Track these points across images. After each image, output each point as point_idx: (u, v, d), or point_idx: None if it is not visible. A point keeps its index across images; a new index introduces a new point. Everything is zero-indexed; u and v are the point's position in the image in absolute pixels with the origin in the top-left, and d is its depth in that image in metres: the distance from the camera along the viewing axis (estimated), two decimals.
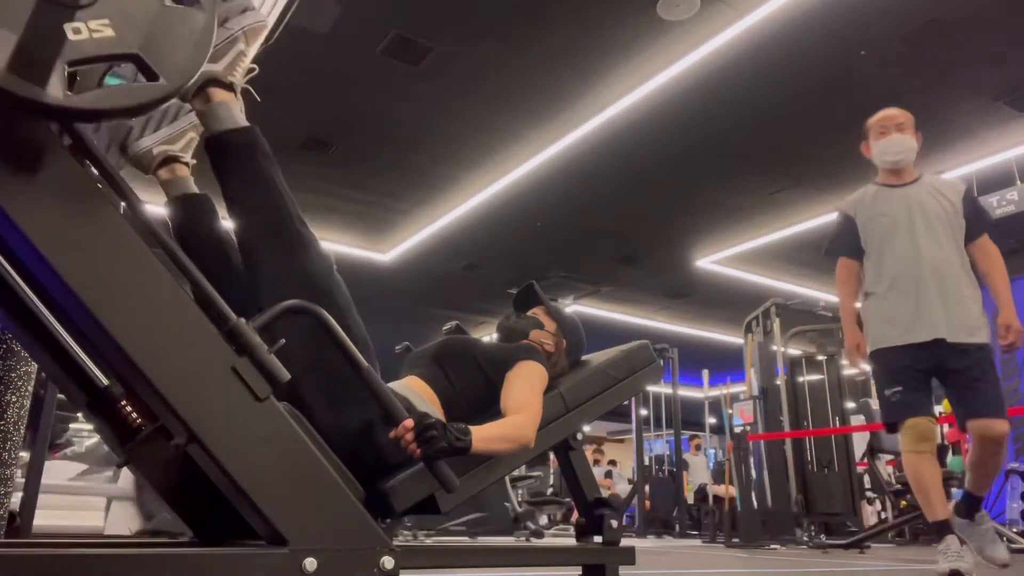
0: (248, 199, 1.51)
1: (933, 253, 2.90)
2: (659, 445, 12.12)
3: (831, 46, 5.16)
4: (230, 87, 1.52)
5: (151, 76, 1.01)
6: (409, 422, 1.34)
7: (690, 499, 10.04)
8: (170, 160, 1.68)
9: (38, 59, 0.93)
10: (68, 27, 0.96)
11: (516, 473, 6.96)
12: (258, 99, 1.60)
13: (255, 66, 1.59)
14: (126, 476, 3.55)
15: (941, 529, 2.69)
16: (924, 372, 2.86)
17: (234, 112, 1.51)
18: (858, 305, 3.17)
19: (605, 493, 1.98)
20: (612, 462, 13.88)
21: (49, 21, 0.95)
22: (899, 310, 2.91)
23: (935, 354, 2.82)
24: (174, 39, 1.05)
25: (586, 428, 1.89)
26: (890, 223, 3.01)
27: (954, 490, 6.95)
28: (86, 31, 0.97)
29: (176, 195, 1.67)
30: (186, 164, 1.71)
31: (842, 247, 3.17)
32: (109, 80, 1.31)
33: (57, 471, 3.81)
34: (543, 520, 8.54)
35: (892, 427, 2.89)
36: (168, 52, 1.03)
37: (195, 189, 1.70)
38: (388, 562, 1.19)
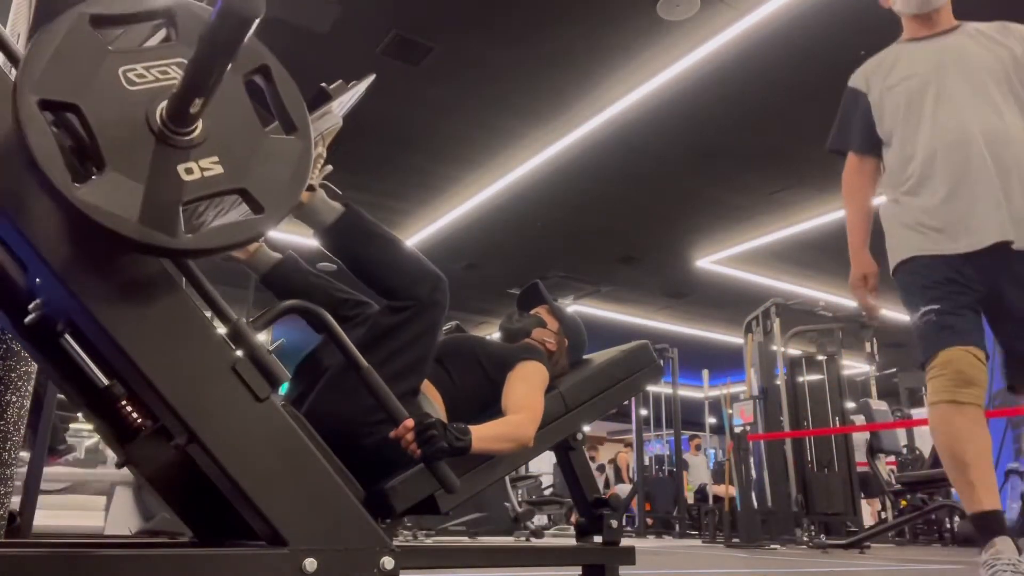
0: (382, 262, 1.64)
1: (986, 121, 2.01)
2: (658, 446, 12.11)
3: (831, 46, 5.16)
4: (311, 188, 1.62)
5: (257, 208, 1.05)
6: (409, 422, 1.35)
7: (690, 499, 10.04)
8: None
9: (160, 204, 0.97)
10: (181, 168, 1.00)
11: (516, 473, 6.96)
12: (338, 193, 1.72)
13: (331, 166, 1.70)
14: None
15: (987, 526, 1.72)
16: (972, 293, 1.96)
17: (327, 202, 1.64)
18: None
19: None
20: (611, 462, 13.88)
21: (166, 165, 0.99)
22: (936, 207, 2.01)
23: (991, 269, 1.93)
24: (276, 169, 1.08)
25: (586, 428, 1.89)
26: (918, 87, 2.14)
27: (954, 490, 6.96)
28: (198, 171, 1.01)
29: (265, 270, 1.78)
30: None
31: (849, 137, 2.35)
32: None
33: (57, 478, 3.81)
34: (543, 520, 8.55)
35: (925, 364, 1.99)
36: (271, 182, 1.07)
37: (274, 256, 1.80)
38: (388, 562, 1.19)
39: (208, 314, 1.14)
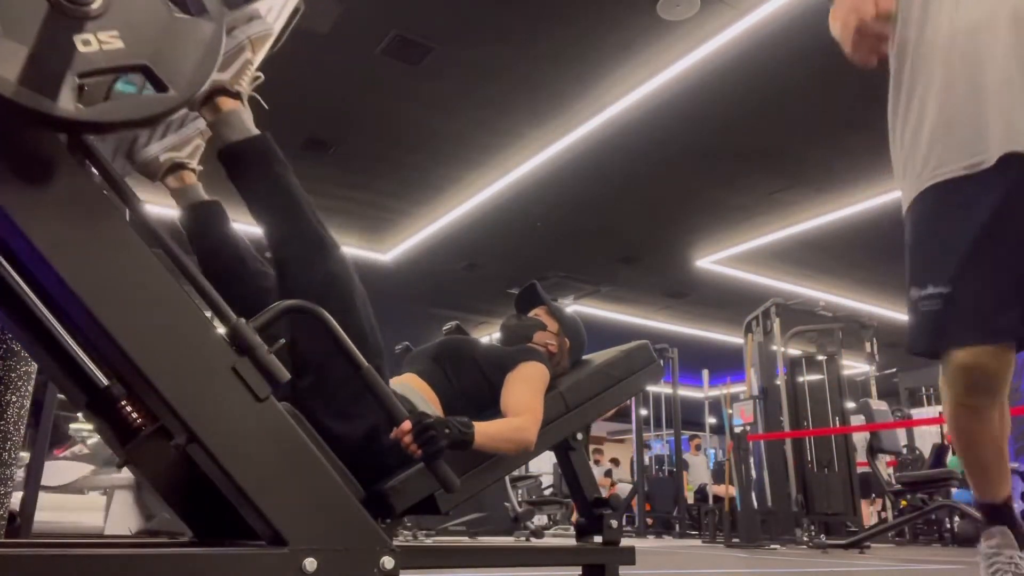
0: (269, 206, 1.52)
1: None
2: (658, 446, 12.11)
3: (831, 46, 5.13)
4: (237, 96, 1.53)
5: (160, 87, 1.02)
6: (408, 423, 1.34)
7: (690, 499, 10.04)
8: (177, 167, 1.69)
9: (48, 71, 0.93)
10: (78, 39, 0.96)
11: (516, 473, 6.96)
12: (265, 107, 1.62)
13: (261, 74, 1.61)
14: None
15: (993, 515, 1.57)
16: (1000, 235, 1.42)
17: (245, 121, 1.53)
18: None
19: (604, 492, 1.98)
20: (614, 460, 13.89)
21: (59, 33, 0.95)
22: (954, 106, 1.50)
23: None
24: (183, 49, 1.05)
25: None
26: None
27: (954, 490, 6.97)
28: (95, 43, 0.97)
29: (187, 204, 1.69)
30: (193, 171, 1.73)
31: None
32: (120, 87, 1.31)
33: (61, 471, 3.80)
34: (543, 520, 8.55)
35: (933, 353, 1.53)
36: (177, 62, 1.04)
37: (205, 196, 1.71)
38: (388, 562, 1.19)
39: (208, 314, 1.14)
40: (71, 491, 3.83)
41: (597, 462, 12.90)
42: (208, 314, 1.14)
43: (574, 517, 4.37)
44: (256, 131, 1.54)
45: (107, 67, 0.99)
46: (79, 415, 3.90)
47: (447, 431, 1.37)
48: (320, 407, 1.48)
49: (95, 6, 0.98)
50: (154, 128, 1.64)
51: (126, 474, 3.55)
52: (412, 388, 1.69)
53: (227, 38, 1.49)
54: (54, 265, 1.01)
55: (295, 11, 1.71)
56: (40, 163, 1.02)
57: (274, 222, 1.51)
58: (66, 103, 0.94)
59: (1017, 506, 6.62)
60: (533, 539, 6.11)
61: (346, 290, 1.49)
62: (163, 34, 1.03)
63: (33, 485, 2.61)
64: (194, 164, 1.72)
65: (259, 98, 1.60)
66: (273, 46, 1.65)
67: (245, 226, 1.72)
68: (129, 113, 1.01)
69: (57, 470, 3.67)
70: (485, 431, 1.47)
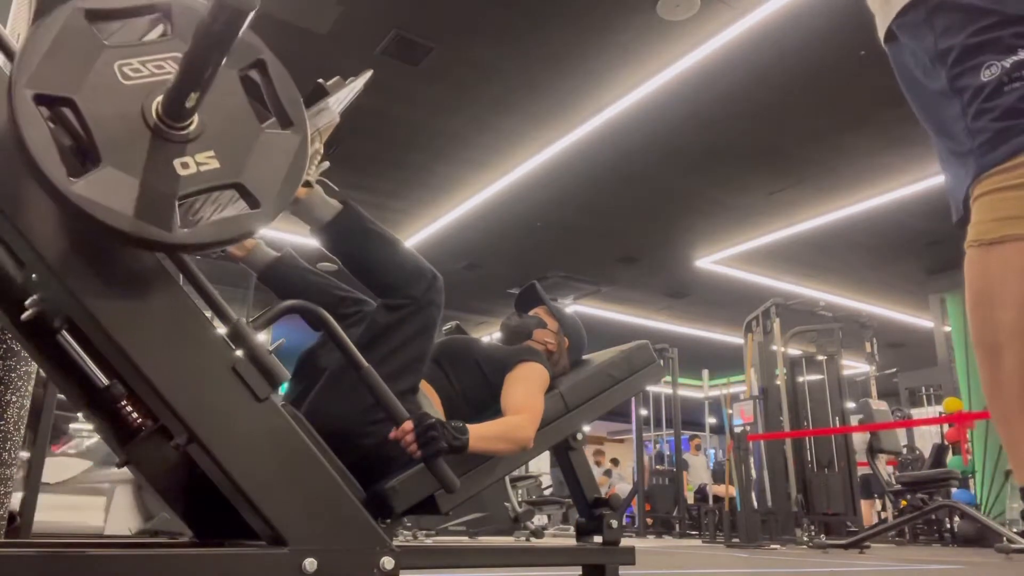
0: (379, 260, 1.63)
1: None
2: (654, 446, 12.09)
3: (831, 46, 5.16)
4: (308, 184, 1.61)
5: (253, 204, 1.04)
6: (409, 424, 1.34)
7: (690, 499, 10.04)
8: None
9: (155, 199, 0.96)
10: (177, 163, 0.99)
11: (516, 473, 6.95)
12: (336, 190, 1.70)
13: (327, 163, 1.68)
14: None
15: None
16: None
17: (325, 199, 1.63)
18: None
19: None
20: (614, 461, 13.88)
21: (161, 160, 0.98)
22: None
23: None
24: (272, 164, 1.08)
25: (586, 428, 1.88)
26: None
27: (954, 490, 6.97)
28: (193, 165, 1.01)
29: (263, 266, 1.76)
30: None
31: None
32: None
33: (58, 467, 3.79)
34: (543, 520, 8.54)
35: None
36: (267, 178, 1.06)
37: (272, 253, 1.79)
38: (388, 562, 1.19)
39: (208, 314, 1.14)
40: (69, 489, 3.82)
41: (598, 463, 12.89)
42: (207, 314, 1.14)
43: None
44: (339, 204, 1.64)
45: (204, 188, 1.02)
46: (79, 415, 3.90)
47: (443, 434, 1.37)
48: (320, 407, 1.48)
49: (192, 129, 1.01)
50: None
51: (125, 470, 3.54)
52: None
53: None
54: (51, 263, 1.00)
55: (358, 93, 1.80)
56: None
57: (381, 267, 1.62)
58: (174, 229, 0.97)
59: (1017, 506, 6.61)
60: (533, 539, 6.11)
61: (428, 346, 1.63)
62: (253, 151, 1.06)
63: (33, 485, 2.60)
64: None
65: (328, 183, 1.68)
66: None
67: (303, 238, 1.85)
68: (227, 234, 1.04)
69: (54, 466, 3.66)
70: (480, 434, 1.46)
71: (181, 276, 1.16)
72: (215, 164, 1.02)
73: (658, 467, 10.32)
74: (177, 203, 0.98)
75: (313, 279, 1.79)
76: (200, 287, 1.16)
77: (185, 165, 1.00)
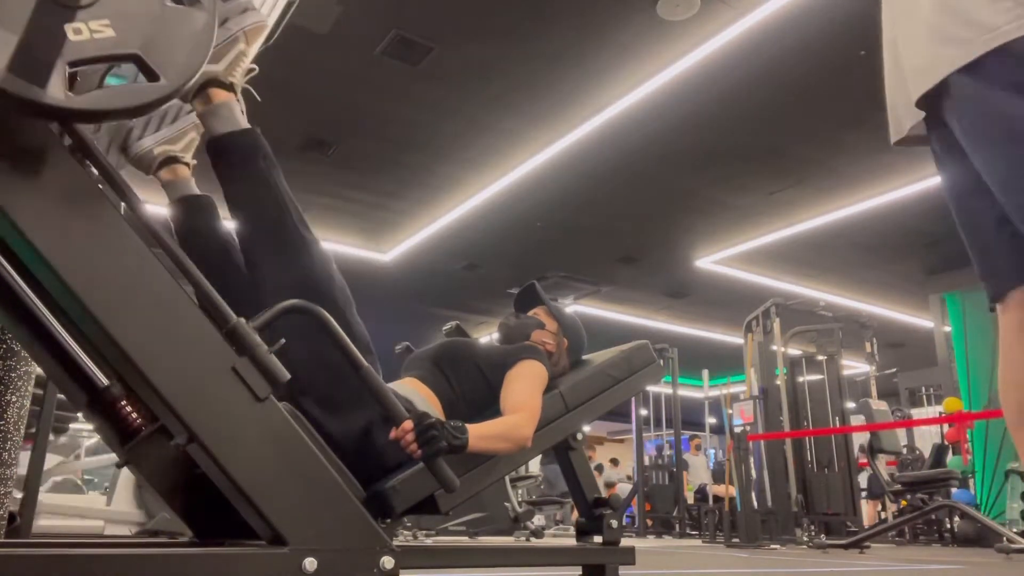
0: (249, 201, 1.52)
1: None
2: (650, 448, 12.07)
3: (831, 46, 5.16)
4: (230, 87, 1.53)
5: (152, 76, 1.01)
6: (409, 423, 1.34)
7: (690, 499, 10.04)
8: (171, 161, 1.68)
9: (39, 60, 0.93)
10: (69, 27, 0.96)
11: (516, 473, 6.95)
12: (258, 99, 1.61)
13: (255, 66, 1.60)
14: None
15: None
16: None
17: (235, 113, 1.52)
18: None
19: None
20: (614, 461, 13.88)
21: (49, 21, 0.95)
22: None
23: None
24: (174, 39, 1.05)
25: (586, 428, 1.88)
26: None
27: (954, 490, 6.97)
28: (87, 31, 0.97)
29: (178, 197, 1.68)
30: (187, 165, 1.72)
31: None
32: (110, 80, 1.31)
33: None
34: (543, 520, 8.54)
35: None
36: (168, 52, 1.03)
37: (196, 190, 1.70)
38: (388, 562, 1.19)
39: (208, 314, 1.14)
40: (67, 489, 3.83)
41: (589, 457, 12.86)
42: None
43: (574, 516, 4.36)
44: (246, 124, 1.53)
45: (98, 56, 0.99)
46: (79, 415, 3.90)
47: (443, 433, 1.37)
48: (320, 407, 1.48)
49: None
50: (147, 120, 1.64)
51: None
52: (413, 390, 1.69)
53: (220, 29, 1.50)
54: (51, 261, 1.00)
55: (289, 3, 1.71)
56: (34, 155, 1.02)
57: (254, 218, 1.51)
58: (56, 91, 0.93)
59: (1017, 506, 6.61)
60: (533, 539, 6.11)
61: (326, 289, 1.49)
62: (154, 24, 1.03)
63: (33, 485, 2.61)
64: (188, 158, 1.71)
65: (252, 90, 1.59)
66: (268, 39, 1.65)
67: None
68: (119, 101, 1.01)
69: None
70: (479, 433, 1.46)
71: (184, 277, 1.16)
72: (110, 32, 0.99)
73: (657, 462, 10.32)
74: (67, 69, 0.95)
75: (223, 228, 1.70)
76: (198, 286, 1.16)
77: (77, 31, 0.97)
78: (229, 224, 1.67)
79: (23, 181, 1.00)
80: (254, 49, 1.58)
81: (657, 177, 7.24)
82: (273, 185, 1.51)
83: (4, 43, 0.91)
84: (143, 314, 1.07)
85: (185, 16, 1.07)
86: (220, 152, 1.51)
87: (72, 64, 0.96)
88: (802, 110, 5.99)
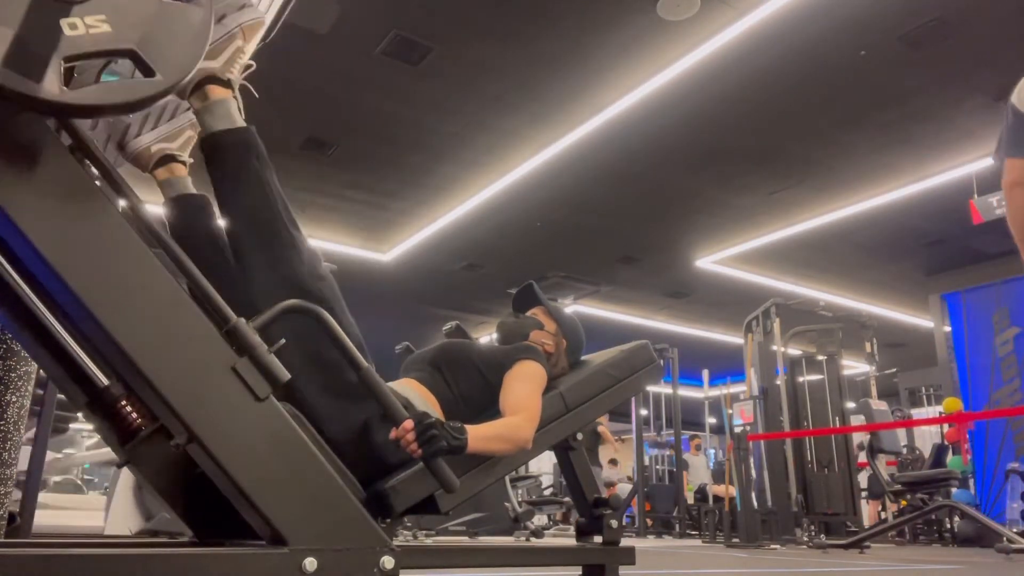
0: (240, 200, 1.51)
1: None
2: (650, 451, 12.07)
3: (831, 46, 5.16)
4: (228, 84, 1.52)
5: (148, 72, 1.01)
6: (409, 423, 1.34)
7: (690, 499, 10.03)
8: (168, 159, 1.68)
9: (34, 54, 0.92)
10: (64, 22, 0.96)
11: (516, 473, 6.95)
12: (256, 95, 1.61)
13: (253, 63, 1.59)
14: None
15: None
16: None
17: (231, 111, 1.51)
18: None
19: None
20: (613, 461, 13.85)
21: (45, 16, 0.94)
22: None
23: None
24: (171, 35, 1.04)
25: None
26: None
27: (954, 490, 6.97)
28: (82, 26, 0.97)
29: (173, 195, 1.67)
30: (183, 163, 1.71)
31: (1009, 145, 2.46)
32: (106, 77, 1.31)
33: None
34: (543, 520, 8.54)
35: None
36: (165, 48, 1.03)
37: (192, 189, 1.70)
38: (388, 562, 1.18)
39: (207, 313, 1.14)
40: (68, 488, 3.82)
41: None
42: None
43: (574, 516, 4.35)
44: (241, 123, 1.52)
45: (94, 51, 0.98)
46: (79, 415, 3.90)
47: (443, 434, 1.37)
48: (320, 407, 1.48)
49: None
50: (145, 117, 1.63)
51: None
52: (411, 391, 1.69)
53: (217, 25, 1.49)
54: (49, 260, 1.00)
55: (287, 0, 1.70)
56: (31, 152, 1.02)
57: (244, 215, 1.50)
58: (51, 86, 0.93)
59: (1017, 506, 6.62)
60: (533, 539, 6.11)
61: (315, 288, 1.48)
62: (151, 19, 1.03)
63: (33, 485, 2.61)
64: (185, 156, 1.70)
65: (250, 87, 1.58)
66: (266, 36, 1.64)
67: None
68: (115, 96, 1.00)
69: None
70: (479, 434, 1.46)
71: (181, 275, 1.16)
72: (106, 28, 0.98)
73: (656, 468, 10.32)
74: (63, 64, 0.95)
75: (217, 227, 1.67)
76: (198, 286, 1.16)
77: (73, 26, 0.96)
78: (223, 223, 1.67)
79: (20, 178, 1.00)
80: (252, 46, 1.57)
81: (657, 177, 7.24)
82: (265, 184, 1.51)
83: (4, 40, 0.91)
84: (143, 313, 1.07)
85: (181, 12, 1.07)
86: (214, 149, 1.50)
87: (68, 59, 0.95)
88: (802, 110, 5.99)
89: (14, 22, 0.92)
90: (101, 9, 0.99)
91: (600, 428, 8.86)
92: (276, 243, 1.49)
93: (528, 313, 2.03)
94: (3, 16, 0.92)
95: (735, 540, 6.39)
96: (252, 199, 1.51)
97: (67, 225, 1.03)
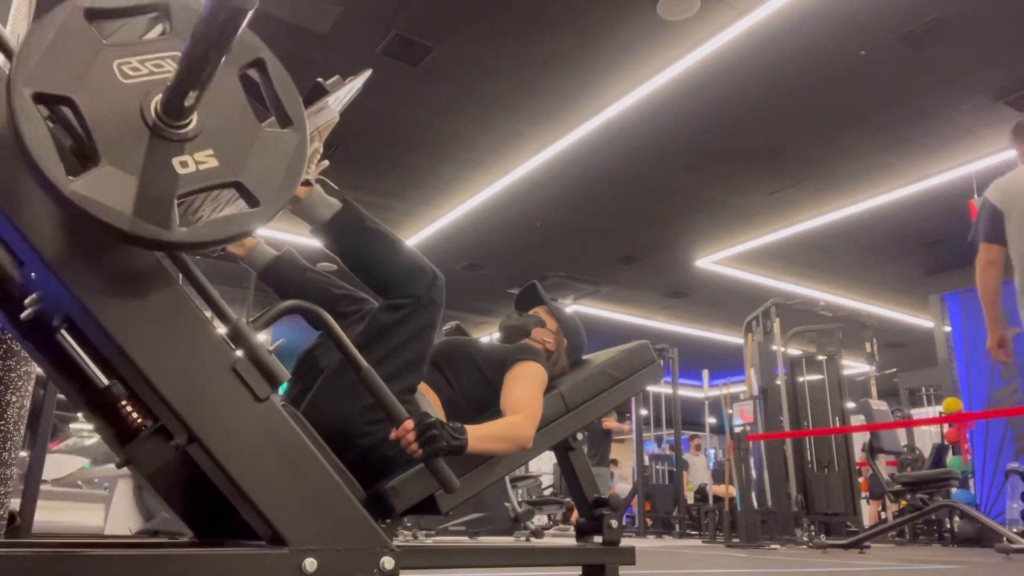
0: (377, 258, 1.62)
1: None
2: (650, 447, 12.07)
3: (831, 46, 5.16)
4: (308, 183, 1.60)
5: (253, 202, 1.04)
6: (409, 423, 1.34)
7: (690, 499, 10.03)
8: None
9: (155, 199, 0.96)
10: (176, 161, 0.99)
11: (516, 473, 6.95)
12: (335, 188, 1.70)
13: (327, 161, 1.67)
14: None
15: None
16: None
17: (325, 197, 1.61)
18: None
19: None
20: (613, 461, 13.84)
21: (160, 158, 0.98)
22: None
23: None
24: (271, 162, 1.07)
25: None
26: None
27: (954, 490, 6.97)
28: (192, 164, 1.00)
29: (262, 265, 1.76)
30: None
31: (986, 232, 2.94)
32: None
33: (56, 464, 3.78)
34: (543, 520, 8.54)
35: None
36: (266, 176, 1.06)
37: (272, 252, 1.78)
38: (388, 562, 1.18)
39: (208, 314, 1.14)
40: (68, 485, 3.82)
41: None
42: (207, 314, 1.14)
43: (574, 517, 4.35)
44: (338, 203, 1.62)
45: (203, 187, 1.02)
46: (79, 415, 3.90)
47: (443, 435, 1.37)
48: (320, 407, 1.48)
49: (191, 127, 1.01)
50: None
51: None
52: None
53: None
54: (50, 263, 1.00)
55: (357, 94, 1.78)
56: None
57: (382, 266, 1.61)
58: (172, 226, 0.97)
59: (1017, 506, 6.62)
60: (533, 539, 6.11)
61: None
62: (253, 149, 1.06)
63: (33, 485, 2.60)
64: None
65: (327, 180, 1.66)
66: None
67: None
68: (224, 232, 1.04)
69: (52, 463, 3.66)
70: (479, 434, 1.46)
71: (180, 276, 1.16)
72: (214, 163, 1.02)
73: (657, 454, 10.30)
74: (176, 202, 0.98)
75: (313, 277, 1.79)
76: (199, 286, 1.16)
77: (184, 164, 1.00)
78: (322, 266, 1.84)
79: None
80: (321, 142, 1.65)
81: (657, 177, 7.24)
82: (387, 233, 1.66)
83: (120, 183, 0.94)
84: (142, 312, 1.07)
85: (280, 139, 1.10)
86: (336, 234, 1.62)
87: (180, 197, 0.99)
88: (802, 110, 5.99)
89: (134, 168, 0.96)
90: (209, 144, 1.02)
91: (606, 422, 8.85)
92: (410, 272, 1.63)
93: (530, 312, 2.03)
94: (123, 161, 0.96)
95: (735, 540, 6.39)
96: (385, 250, 1.63)
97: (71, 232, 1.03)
